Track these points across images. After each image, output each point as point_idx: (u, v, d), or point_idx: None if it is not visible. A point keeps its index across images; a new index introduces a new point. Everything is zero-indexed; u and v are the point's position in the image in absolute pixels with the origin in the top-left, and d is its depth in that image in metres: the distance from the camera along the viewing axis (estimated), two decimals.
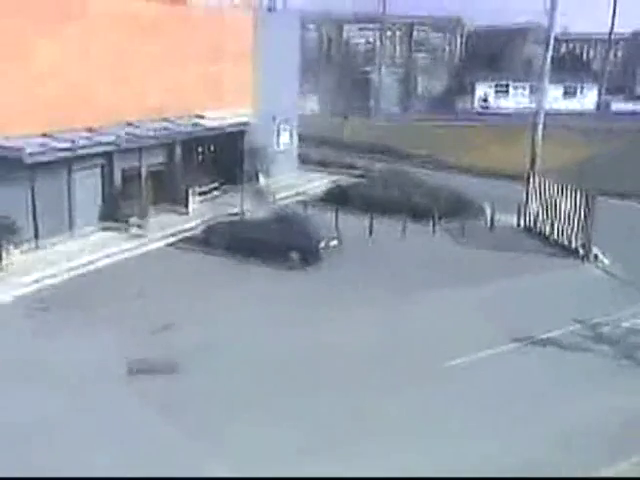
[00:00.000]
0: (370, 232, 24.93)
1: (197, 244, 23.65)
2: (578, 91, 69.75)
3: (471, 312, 18.61)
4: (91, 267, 21.32)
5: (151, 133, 25.42)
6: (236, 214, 25.57)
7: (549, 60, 28.59)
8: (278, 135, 34.13)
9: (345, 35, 76.27)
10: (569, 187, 24.40)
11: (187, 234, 24.77)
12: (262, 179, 31.62)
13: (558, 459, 12.30)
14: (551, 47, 28.29)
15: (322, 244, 22.25)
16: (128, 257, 22.48)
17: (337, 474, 11.55)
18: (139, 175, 26.37)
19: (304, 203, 28.07)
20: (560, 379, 15.24)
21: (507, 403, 14.17)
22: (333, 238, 22.89)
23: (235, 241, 22.68)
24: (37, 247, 22.22)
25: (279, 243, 21.99)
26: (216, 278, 20.80)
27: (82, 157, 23.20)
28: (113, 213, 24.88)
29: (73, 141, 22.19)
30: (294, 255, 21.94)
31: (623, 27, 66.72)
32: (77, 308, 18.07)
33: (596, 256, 23.49)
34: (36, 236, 22.38)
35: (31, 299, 18.72)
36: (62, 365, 15.00)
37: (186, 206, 27.38)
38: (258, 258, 21.86)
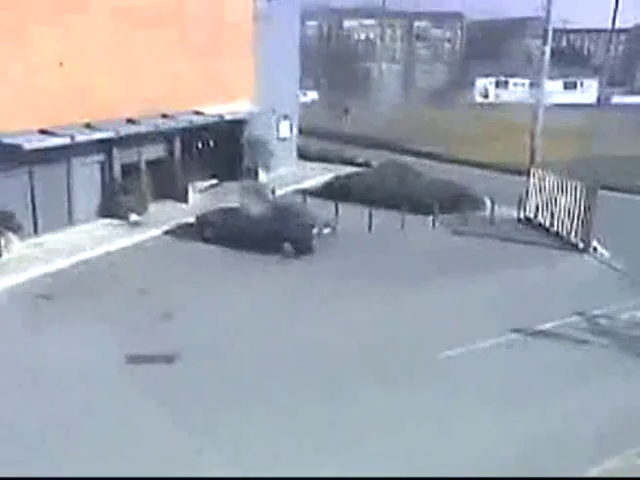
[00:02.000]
0: (369, 224, 24.96)
1: (193, 235, 23.78)
2: (578, 84, 69.70)
3: (469, 303, 18.62)
4: (90, 256, 21.46)
5: (151, 125, 25.42)
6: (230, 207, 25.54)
7: (548, 53, 28.58)
8: (278, 128, 34.18)
9: (345, 28, 76.27)
10: (570, 180, 24.45)
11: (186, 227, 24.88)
12: (262, 172, 31.71)
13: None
14: (549, 40, 28.26)
15: (315, 233, 22.38)
16: (126, 247, 22.69)
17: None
18: (138, 168, 26.44)
19: (304, 195, 28.06)
20: (559, 370, 15.26)
21: (505, 392, 14.21)
22: (326, 226, 23.07)
23: (227, 232, 22.89)
24: (37, 237, 22.35)
25: (271, 233, 22.13)
26: (211, 269, 21.02)
27: (81, 150, 23.26)
28: (112, 206, 24.97)
29: (72, 137, 22.24)
30: (287, 245, 22.08)
31: (625, 20, 66.73)
32: (77, 296, 18.30)
33: (595, 248, 23.53)
34: (35, 227, 22.61)
35: (32, 288, 18.84)
36: (63, 354, 15.10)
37: (185, 199, 27.46)
38: (251, 248, 21.99)
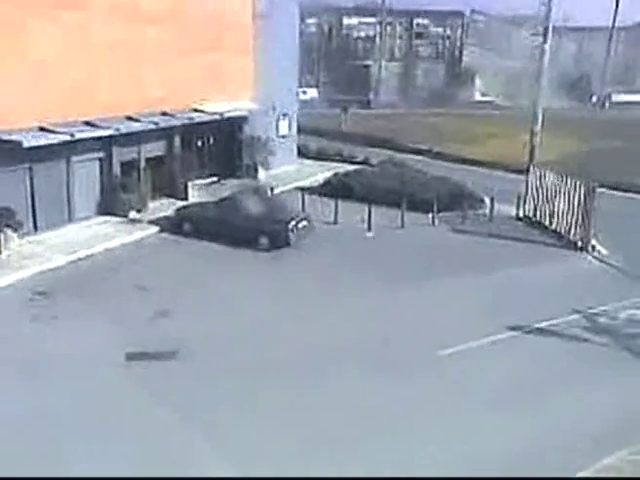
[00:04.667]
0: (369, 221, 24.99)
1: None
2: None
3: (467, 301, 18.66)
4: (89, 253, 21.51)
5: (150, 123, 25.41)
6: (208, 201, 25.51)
7: (547, 51, 28.56)
8: (277, 126, 34.18)
9: (345, 26, 76.17)
10: (569, 178, 24.47)
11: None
12: (261, 170, 31.75)
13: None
14: (549, 39, 28.23)
15: (291, 226, 22.49)
16: (125, 244, 22.76)
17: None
18: (138, 166, 26.46)
19: (303, 193, 28.07)
20: (555, 369, 15.28)
21: (504, 390, 14.22)
22: (302, 220, 23.25)
23: (204, 226, 23.09)
24: (36, 234, 22.41)
25: (248, 226, 22.29)
26: (208, 263, 21.22)
27: (81, 147, 23.28)
28: (112, 203, 24.97)
29: (72, 134, 22.25)
30: (263, 239, 22.26)
31: (625, 18, 66.90)
32: (76, 293, 18.32)
33: (594, 247, 23.57)
34: (35, 224, 22.64)
35: (31, 285, 18.86)
36: (61, 350, 15.13)
37: (185, 196, 27.48)
38: (228, 241, 22.19)
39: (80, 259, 21.06)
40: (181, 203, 26.50)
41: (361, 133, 44.46)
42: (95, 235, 23.08)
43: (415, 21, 77.57)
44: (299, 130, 36.28)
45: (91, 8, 23.33)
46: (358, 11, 74.46)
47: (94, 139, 23.46)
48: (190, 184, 27.96)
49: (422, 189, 27.72)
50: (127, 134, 24.53)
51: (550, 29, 28.37)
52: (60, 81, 22.17)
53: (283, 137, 34.57)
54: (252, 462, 11.67)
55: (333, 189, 28.72)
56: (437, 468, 11.54)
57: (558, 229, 24.93)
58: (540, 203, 26.15)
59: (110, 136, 24.03)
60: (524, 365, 15.34)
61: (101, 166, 25.05)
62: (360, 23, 76.01)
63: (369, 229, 24.78)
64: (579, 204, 23.70)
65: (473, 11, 74.56)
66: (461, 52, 77.25)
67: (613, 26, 65.71)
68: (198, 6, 27.79)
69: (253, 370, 14.70)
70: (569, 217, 24.24)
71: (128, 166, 25.91)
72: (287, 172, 33.32)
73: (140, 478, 11.21)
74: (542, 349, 16.14)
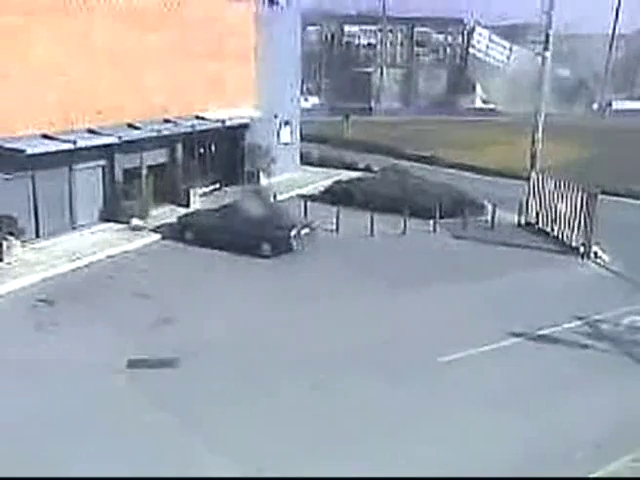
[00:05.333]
0: (371, 228, 25.03)
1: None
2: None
3: (469, 307, 18.65)
4: (91, 261, 21.54)
5: (152, 130, 25.50)
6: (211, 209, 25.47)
7: (549, 59, 28.62)
8: (279, 133, 34.25)
9: (346, 34, 76.40)
10: (570, 185, 24.50)
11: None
12: (263, 177, 31.82)
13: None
14: (550, 46, 28.29)
15: (293, 233, 22.47)
16: (127, 251, 22.77)
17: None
18: (140, 173, 26.51)
19: (305, 200, 28.12)
20: (560, 375, 15.24)
21: (506, 396, 14.21)
22: (304, 226, 23.25)
23: (207, 233, 23.07)
24: (39, 242, 22.44)
25: (250, 233, 22.26)
26: (210, 271, 21.26)
27: (84, 154, 23.34)
28: (114, 210, 25.03)
29: (75, 142, 22.33)
30: (265, 245, 22.23)
31: (624, 25, 67.07)
32: (78, 300, 18.36)
33: (596, 253, 23.58)
34: (37, 231, 22.67)
35: (33, 292, 18.89)
36: (65, 357, 15.15)
37: (187, 204, 27.53)
38: (231, 248, 22.18)
39: (82, 266, 21.10)
40: (183, 210, 26.55)
41: (363, 140, 44.54)
42: (97, 242, 23.14)
43: (416, 28, 77.76)
44: (301, 137, 36.35)
45: (94, 15, 23.45)
46: (359, 19, 74.70)
47: (97, 147, 23.55)
48: (192, 191, 28.02)
49: (423, 196, 27.75)
50: (129, 142, 24.61)
51: (551, 37, 28.45)
52: (62, 88, 22.27)
53: (285, 144, 34.62)
54: (252, 462, 11.72)
55: (335, 196, 28.79)
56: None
57: (560, 236, 24.95)
58: (542, 209, 26.18)
59: (112, 144, 24.11)
60: (527, 372, 15.31)
61: (103, 173, 25.11)
62: (361, 31, 76.21)
63: (372, 235, 24.81)
64: (581, 210, 23.72)
65: (476, 20, 74.84)
66: (461, 59, 77.41)
67: (613, 35, 65.84)
68: (200, 13, 27.91)
69: (256, 372, 14.75)
70: (571, 223, 24.27)
71: (130, 173, 25.98)
72: (289, 179, 33.41)
73: (140, 478, 11.24)
74: (545, 356, 16.10)
